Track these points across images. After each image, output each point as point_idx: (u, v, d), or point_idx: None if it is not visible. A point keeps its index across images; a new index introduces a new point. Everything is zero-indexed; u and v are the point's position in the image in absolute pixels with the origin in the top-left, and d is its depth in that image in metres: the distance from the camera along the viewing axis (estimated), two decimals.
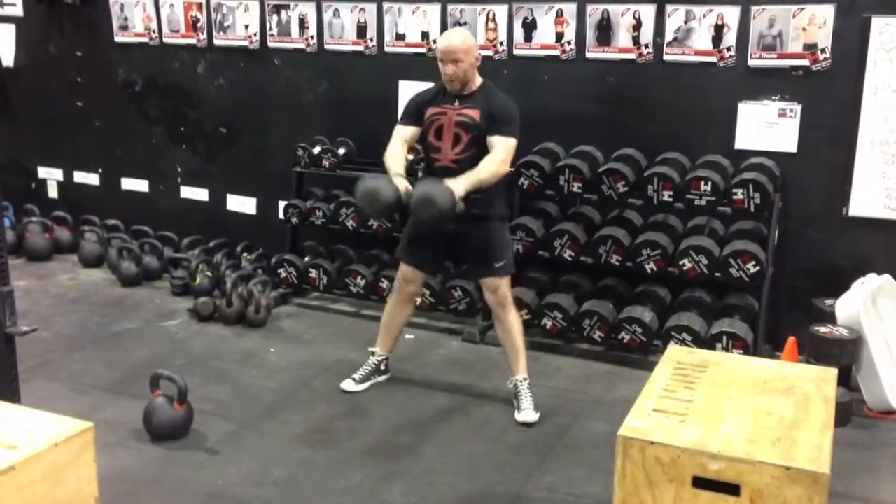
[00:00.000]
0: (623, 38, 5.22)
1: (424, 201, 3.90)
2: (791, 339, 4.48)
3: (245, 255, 6.40)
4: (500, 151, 4.10)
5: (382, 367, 4.71)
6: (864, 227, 4.87)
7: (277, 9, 6.21)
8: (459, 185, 3.96)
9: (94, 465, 2.61)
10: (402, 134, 4.33)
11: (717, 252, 4.80)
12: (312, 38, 6.12)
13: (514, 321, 4.36)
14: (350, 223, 5.76)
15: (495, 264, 4.28)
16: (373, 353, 4.69)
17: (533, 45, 5.47)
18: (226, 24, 6.42)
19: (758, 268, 4.67)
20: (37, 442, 2.46)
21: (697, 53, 5.07)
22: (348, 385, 4.62)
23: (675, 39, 5.11)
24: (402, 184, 4.06)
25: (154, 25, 6.69)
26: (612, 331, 4.99)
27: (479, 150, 4.15)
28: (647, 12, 5.14)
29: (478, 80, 4.26)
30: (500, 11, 5.51)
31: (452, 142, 4.21)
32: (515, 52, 5.52)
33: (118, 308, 5.90)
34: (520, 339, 4.37)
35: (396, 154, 4.26)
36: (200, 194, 6.85)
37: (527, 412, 4.29)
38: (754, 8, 4.89)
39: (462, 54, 4.13)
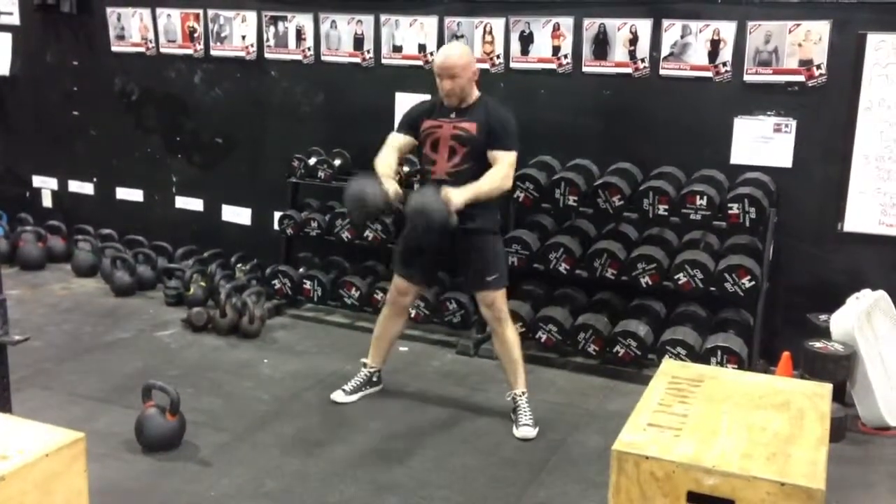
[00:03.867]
0: (619, 52, 5.24)
1: (420, 212, 3.92)
2: (786, 354, 4.48)
3: (239, 265, 6.39)
4: (504, 166, 4.10)
5: (374, 379, 4.69)
6: (858, 243, 4.88)
7: (274, 20, 6.22)
8: (459, 196, 3.95)
9: (85, 476, 2.59)
10: (395, 141, 4.33)
11: (712, 266, 4.80)
12: (309, 49, 6.13)
13: (510, 335, 4.34)
14: (345, 234, 5.75)
15: (487, 278, 4.26)
16: (364, 365, 4.68)
17: (529, 58, 5.48)
18: (223, 35, 6.42)
19: (753, 282, 4.67)
20: (27, 452, 2.44)
21: (693, 68, 5.09)
22: (339, 396, 4.61)
23: (671, 54, 5.13)
24: (392, 186, 4.07)
25: (151, 35, 6.69)
26: (607, 344, 4.99)
27: (474, 164, 4.14)
28: (644, 27, 5.15)
29: (475, 94, 4.25)
30: (497, 24, 5.52)
31: (448, 155, 4.20)
32: (512, 65, 5.53)
33: (111, 318, 5.88)
34: (517, 354, 4.35)
35: (387, 159, 4.26)
36: (195, 204, 6.84)
37: (525, 428, 4.27)
38: (750, 23, 4.91)
39: (459, 69, 4.12)
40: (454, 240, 4.20)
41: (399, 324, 4.62)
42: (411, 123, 4.33)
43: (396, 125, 4.48)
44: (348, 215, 4.23)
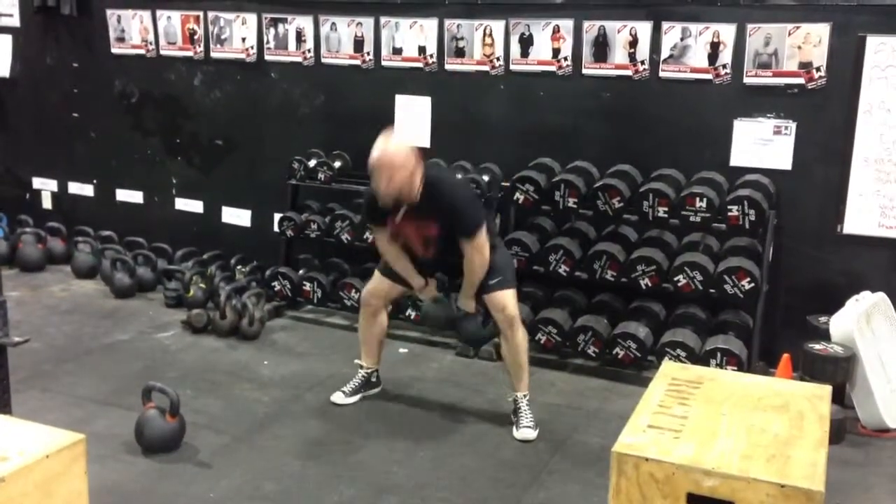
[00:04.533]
0: (619, 54, 5.24)
1: (434, 321, 4.55)
2: (785, 356, 4.48)
3: (239, 267, 6.38)
4: (476, 249, 4.10)
5: (373, 380, 4.69)
6: (858, 245, 4.88)
7: (274, 22, 6.22)
8: (468, 304, 4.26)
9: (86, 478, 2.60)
10: (384, 236, 4.32)
11: (711, 268, 4.81)
12: (309, 51, 6.14)
13: (521, 340, 4.31)
14: (345, 236, 5.76)
15: (489, 281, 4.25)
16: (360, 367, 4.68)
17: (529, 60, 5.48)
18: (223, 37, 6.43)
19: (752, 284, 4.67)
20: (28, 453, 2.44)
21: (693, 70, 5.09)
22: (338, 398, 4.61)
23: (671, 56, 5.13)
24: (431, 291, 4.41)
25: (151, 37, 6.69)
26: (607, 346, 4.99)
27: (450, 240, 4.14)
28: (644, 29, 5.16)
29: (417, 184, 4.00)
30: (497, 27, 5.52)
31: (423, 247, 4.27)
32: (512, 67, 5.53)
33: (111, 319, 5.88)
34: (524, 359, 4.34)
35: (398, 260, 4.34)
36: (195, 206, 6.84)
37: (526, 430, 4.27)
38: (750, 26, 4.92)
39: (396, 170, 3.91)
40: (452, 268, 4.30)
41: (379, 323, 4.60)
42: (379, 216, 4.23)
43: (365, 216, 4.65)
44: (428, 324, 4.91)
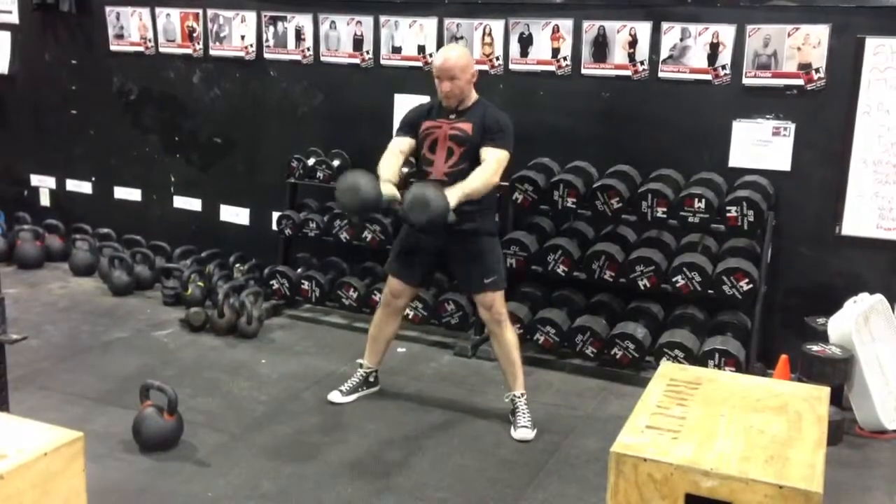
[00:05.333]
0: (619, 54, 5.24)
1: (419, 202, 3.85)
2: (783, 357, 4.48)
3: (237, 265, 6.38)
4: (491, 163, 4.11)
5: (371, 380, 4.69)
6: (856, 247, 4.89)
7: (274, 20, 6.22)
8: (451, 196, 3.93)
9: (83, 476, 2.59)
10: (398, 144, 4.34)
11: (710, 269, 4.81)
12: (309, 49, 6.13)
13: (510, 337, 4.34)
14: (343, 235, 5.76)
15: (485, 280, 4.27)
16: (361, 366, 4.68)
17: (529, 60, 5.48)
18: (222, 35, 6.42)
19: (751, 285, 4.68)
20: (26, 451, 2.43)
21: (693, 71, 5.09)
22: (335, 397, 4.61)
23: (670, 57, 5.13)
24: (389, 188, 4.05)
25: (150, 35, 6.69)
26: (605, 346, 4.99)
27: (471, 165, 4.16)
28: (643, 29, 5.16)
29: (473, 97, 4.27)
30: (497, 26, 5.52)
31: (446, 155, 4.22)
32: (511, 66, 5.53)
33: (109, 317, 5.87)
34: (516, 355, 4.35)
35: (389, 163, 4.25)
36: (194, 204, 6.84)
37: (524, 430, 4.27)
38: (749, 27, 4.92)
39: (458, 71, 4.14)
40: (451, 241, 4.22)
41: (393, 325, 4.62)
42: (411, 125, 4.34)
43: (396, 128, 4.49)
44: (339, 204, 4.17)
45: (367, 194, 3.98)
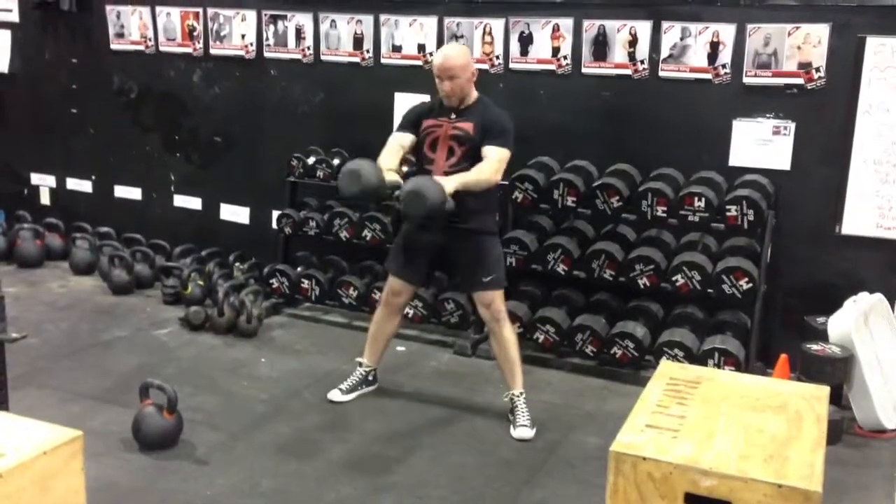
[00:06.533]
0: (619, 53, 5.24)
1: (415, 194, 3.85)
2: (783, 356, 4.48)
3: (237, 264, 6.38)
4: (493, 161, 4.12)
5: (370, 378, 4.69)
6: (856, 246, 4.89)
7: (274, 19, 6.22)
8: (449, 183, 3.95)
9: (83, 474, 2.59)
10: (398, 139, 4.34)
11: (709, 268, 4.81)
12: (309, 48, 6.13)
13: (509, 336, 4.34)
14: (343, 234, 5.76)
15: (484, 279, 4.27)
16: (360, 364, 4.68)
17: (529, 59, 5.48)
18: (222, 34, 6.42)
19: (750, 284, 4.68)
20: (25, 450, 2.43)
21: (693, 70, 5.09)
22: (335, 395, 4.61)
23: (670, 56, 5.13)
24: (391, 174, 4.08)
25: (150, 34, 6.69)
26: (605, 345, 4.99)
27: (472, 164, 4.16)
28: (643, 28, 5.16)
29: (474, 95, 4.27)
30: (497, 25, 5.52)
31: (446, 154, 4.22)
32: (511, 65, 5.53)
33: (109, 316, 5.87)
34: (515, 354, 4.35)
35: (389, 157, 4.26)
36: (194, 203, 6.84)
37: (523, 429, 4.27)
38: (750, 26, 4.92)
39: (458, 70, 4.14)
40: (451, 239, 4.22)
41: (394, 323, 4.62)
42: (412, 122, 4.34)
43: (397, 125, 4.50)
44: (341, 190, 4.14)
45: (368, 180, 3.97)
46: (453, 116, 4.23)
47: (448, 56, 4.19)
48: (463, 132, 4.19)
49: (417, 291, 5.00)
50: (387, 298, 4.55)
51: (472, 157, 4.17)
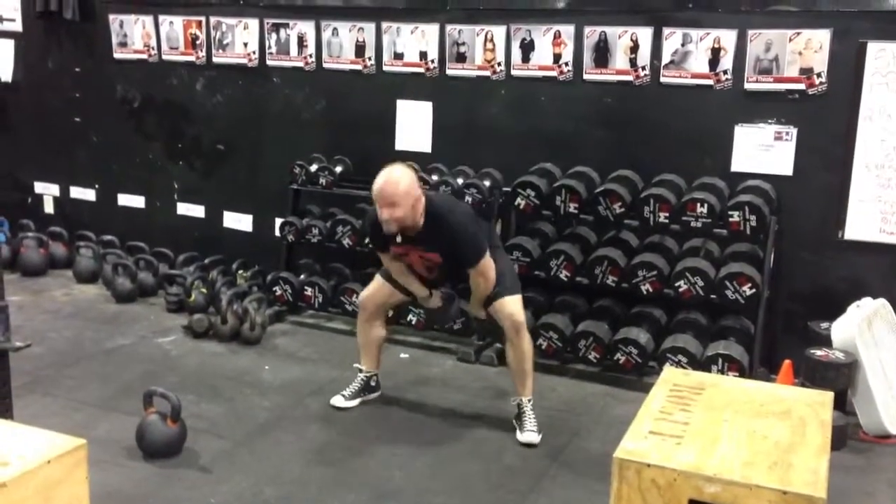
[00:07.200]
0: (620, 59, 5.25)
1: (443, 319, 4.87)
2: (787, 362, 4.48)
3: (240, 272, 6.39)
4: (484, 274, 4.17)
5: (372, 384, 4.69)
6: (859, 251, 4.89)
7: (276, 27, 6.24)
8: (480, 313, 4.38)
9: (87, 483, 2.59)
10: (388, 256, 4.37)
11: (712, 274, 4.81)
12: (311, 56, 6.15)
13: (527, 347, 4.30)
14: (346, 241, 5.76)
15: (493, 290, 4.26)
16: (360, 370, 4.68)
17: (531, 65, 5.49)
18: (225, 42, 6.44)
19: (753, 290, 4.67)
20: (29, 459, 2.44)
21: (694, 76, 5.10)
22: (338, 401, 4.61)
23: (671, 62, 5.14)
24: (435, 301, 4.42)
25: (153, 42, 6.71)
26: (608, 352, 4.99)
27: (454, 267, 4.23)
28: (645, 35, 5.17)
29: (420, 214, 4.04)
30: (499, 32, 5.53)
31: (426, 272, 4.34)
32: (513, 72, 5.54)
33: (112, 324, 5.88)
34: (529, 366, 4.33)
35: (402, 275, 4.38)
36: (197, 211, 6.85)
37: (529, 433, 4.26)
38: (751, 32, 4.93)
39: (400, 198, 3.93)
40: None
41: (378, 327, 4.61)
42: (383, 241, 4.27)
43: (370, 241, 4.62)
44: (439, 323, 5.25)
45: (456, 314, 4.69)
46: (412, 240, 4.14)
47: (387, 183, 3.94)
48: (432, 262, 4.25)
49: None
50: (363, 303, 4.60)
51: (453, 267, 4.22)
